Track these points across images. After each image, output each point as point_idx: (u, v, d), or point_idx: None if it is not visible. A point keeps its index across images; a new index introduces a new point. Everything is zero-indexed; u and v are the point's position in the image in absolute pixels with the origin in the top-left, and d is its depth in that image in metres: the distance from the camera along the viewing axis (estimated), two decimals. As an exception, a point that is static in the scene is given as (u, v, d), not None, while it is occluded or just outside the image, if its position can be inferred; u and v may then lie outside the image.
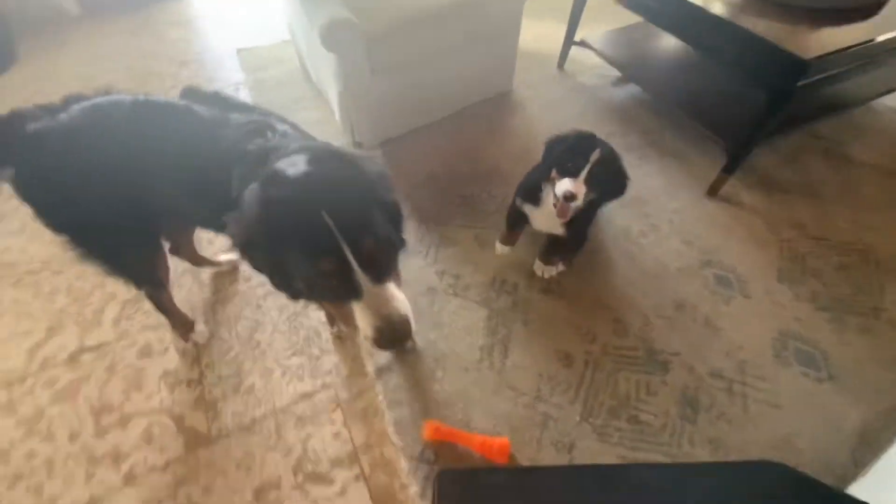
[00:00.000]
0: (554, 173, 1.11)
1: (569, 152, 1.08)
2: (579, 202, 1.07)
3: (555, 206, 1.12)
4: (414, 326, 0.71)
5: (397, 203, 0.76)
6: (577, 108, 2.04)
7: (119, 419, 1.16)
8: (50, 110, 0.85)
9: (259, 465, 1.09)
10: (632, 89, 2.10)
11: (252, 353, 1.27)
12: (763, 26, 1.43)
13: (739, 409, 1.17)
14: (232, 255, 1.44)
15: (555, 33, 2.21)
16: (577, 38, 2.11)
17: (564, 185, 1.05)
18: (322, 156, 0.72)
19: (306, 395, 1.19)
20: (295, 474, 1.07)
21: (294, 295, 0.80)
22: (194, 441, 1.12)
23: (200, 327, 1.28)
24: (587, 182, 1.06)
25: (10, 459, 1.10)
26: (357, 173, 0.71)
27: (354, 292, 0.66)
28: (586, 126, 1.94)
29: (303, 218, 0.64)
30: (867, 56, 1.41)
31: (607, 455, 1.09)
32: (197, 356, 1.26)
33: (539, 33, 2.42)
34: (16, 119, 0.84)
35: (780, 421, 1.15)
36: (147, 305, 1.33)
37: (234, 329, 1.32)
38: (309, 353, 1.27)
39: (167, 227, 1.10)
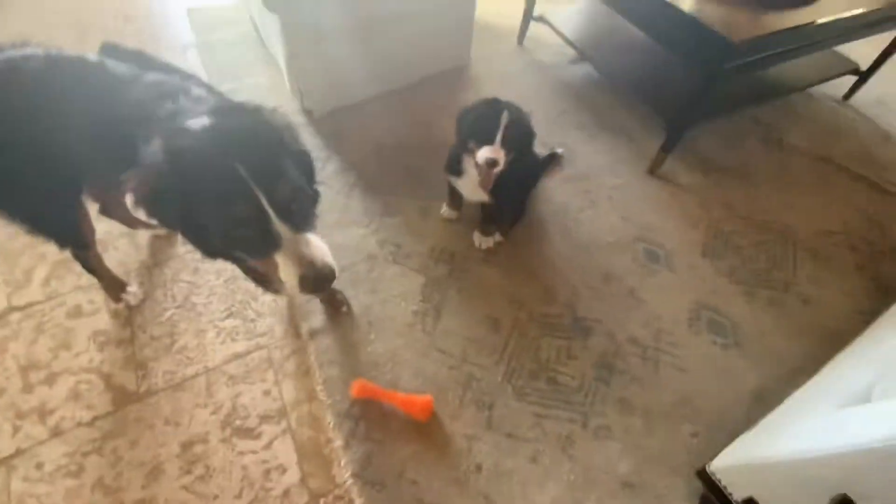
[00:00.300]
0: (472, 144, 1.14)
1: (480, 121, 1.12)
2: (501, 166, 1.11)
3: (479, 175, 1.16)
4: (336, 271, 0.72)
5: (308, 153, 0.77)
6: (533, 86, 2.06)
7: (47, 376, 1.16)
8: None
9: (188, 421, 1.12)
10: (587, 68, 2.12)
11: (187, 315, 1.28)
12: (702, 9, 1.46)
13: (651, 372, 1.26)
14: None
15: (516, 8, 2.20)
16: (536, 13, 2.11)
17: (484, 153, 1.09)
18: (225, 109, 0.73)
19: (239, 355, 1.22)
20: (223, 429, 1.11)
21: (209, 252, 0.82)
22: (122, 398, 1.14)
23: (133, 288, 1.28)
24: (503, 144, 1.10)
25: (-67, 414, 1.09)
26: (263, 124, 0.72)
27: (273, 242, 0.67)
28: (541, 103, 1.98)
29: (213, 168, 0.64)
30: (797, 41, 1.47)
31: (523, 413, 1.17)
32: (129, 317, 1.27)
33: (500, 8, 2.39)
34: None
35: (685, 383, 1.24)
36: (78, 266, 1.32)
37: (170, 291, 1.33)
38: (244, 316, 1.29)
39: (88, 187, 1.08)
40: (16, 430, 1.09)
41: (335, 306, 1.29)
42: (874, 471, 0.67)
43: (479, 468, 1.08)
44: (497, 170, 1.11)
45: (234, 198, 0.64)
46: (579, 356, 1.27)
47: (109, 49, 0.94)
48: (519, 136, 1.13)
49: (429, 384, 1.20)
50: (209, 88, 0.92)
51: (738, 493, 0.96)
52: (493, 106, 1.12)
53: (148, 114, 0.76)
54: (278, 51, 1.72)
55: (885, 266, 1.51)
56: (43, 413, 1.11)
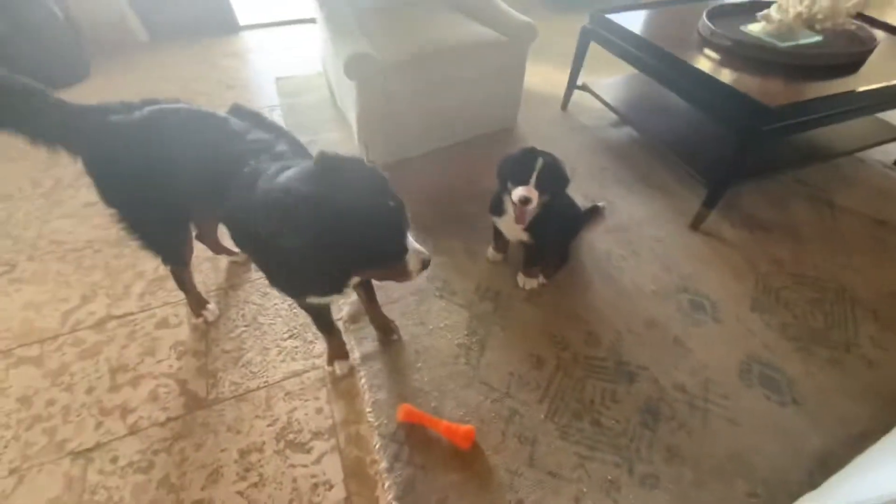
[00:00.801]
0: (510, 185, 1.26)
1: (518, 165, 1.24)
2: (534, 204, 1.21)
3: (515, 212, 1.27)
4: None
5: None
6: (576, 145, 2.21)
7: (132, 379, 1.30)
8: (129, 107, 1.05)
9: (247, 430, 1.20)
10: (627, 130, 2.27)
11: (254, 333, 1.41)
12: (738, 78, 1.59)
13: (699, 422, 1.22)
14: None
15: (561, 78, 2.43)
16: (580, 82, 2.32)
17: (519, 192, 1.21)
18: (335, 162, 0.84)
19: (297, 373, 1.31)
20: (278, 441, 1.18)
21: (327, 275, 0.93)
22: (194, 403, 1.24)
23: (212, 306, 1.44)
24: (537, 186, 1.21)
25: (32, 404, 1.24)
26: (374, 169, 0.87)
27: (406, 250, 0.87)
28: (583, 161, 2.12)
29: (384, 207, 0.82)
30: (834, 108, 1.54)
31: (566, 452, 1.16)
32: (205, 331, 1.41)
33: (547, 77, 2.65)
34: (101, 109, 1.03)
35: (738, 437, 1.19)
36: (169, 284, 1.51)
37: (241, 311, 1.47)
38: (304, 337, 1.40)
39: (195, 216, 1.28)
40: (98, 425, 1.21)
41: (388, 333, 1.38)
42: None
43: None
44: (530, 206, 1.22)
45: (398, 225, 0.85)
46: (624, 400, 1.26)
47: (235, 109, 1.17)
48: (552, 179, 1.24)
49: (471, 415, 1.23)
50: (296, 144, 1.10)
51: (802, 556, 0.90)
52: (530, 153, 1.25)
53: (241, 164, 0.93)
54: (350, 111, 1.99)
55: (958, 331, 1.43)
56: (125, 411, 1.23)
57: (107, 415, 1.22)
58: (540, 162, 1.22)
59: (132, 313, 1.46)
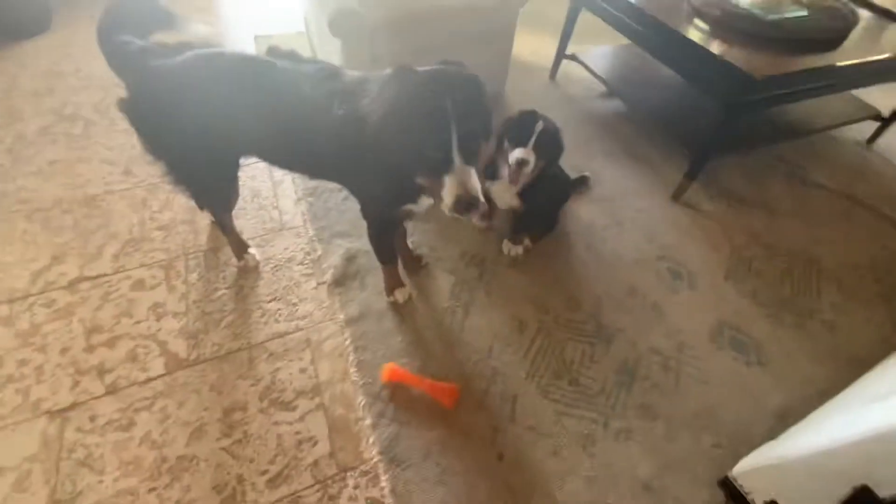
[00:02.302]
0: (507, 145, 1.26)
1: (517, 126, 1.25)
2: (530, 167, 1.22)
3: (509, 173, 1.27)
4: (482, 201, 0.84)
5: (490, 113, 0.89)
6: (562, 115, 2.18)
7: (108, 339, 1.27)
8: (170, 50, 0.99)
9: (230, 389, 1.19)
10: (615, 103, 2.26)
11: (236, 296, 1.39)
12: (726, 49, 1.60)
13: (672, 381, 1.28)
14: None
15: (550, 48, 2.38)
16: (569, 52, 2.29)
17: (516, 154, 1.21)
18: (448, 62, 0.89)
19: (280, 335, 1.30)
20: (261, 400, 1.18)
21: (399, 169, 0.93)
22: (174, 363, 1.23)
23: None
24: (535, 148, 1.21)
25: (2, 364, 1.20)
26: (472, 79, 0.86)
27: (448, 167, 0.82)
28: (569, 131, 2.09)
29: (431, 101, 0.80)
30: (815, 82, 1.56)
31: (546, 409, 1.20)
32: (186, 292, 1.38)
33: (536, 47, 2.60)
34: (141, 52, 0.97)
35: (707, 395, 1.26)
36: (145, 246, 1.48)
37: (223, 273, 1.44)
38: (287, 300, 1.38)
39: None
40: (75, 384, 1.18)
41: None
42: (893, 456, 0.69)
43: (500, 457, 1.11)
44: (527, 169, 1.22)
45: (439, 125, 0.80)
46: (602, 361, 1.31)
47: (272, 50, 1.12)
48: (549, 146, 1.25)
49: (455, 374, 1.25)
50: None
51: (759, 499, 0.97)
52: (531, 115, 1.25)
53: (325, 92, 0.94)
54: (334, 72, 1.92)
55: (912, 299, 1.52)
56: (101, 371, 1.20)
57: (83, 375, 1.20)
58: (540, 125, 1.22)
59: (106, 275, 1.41)
